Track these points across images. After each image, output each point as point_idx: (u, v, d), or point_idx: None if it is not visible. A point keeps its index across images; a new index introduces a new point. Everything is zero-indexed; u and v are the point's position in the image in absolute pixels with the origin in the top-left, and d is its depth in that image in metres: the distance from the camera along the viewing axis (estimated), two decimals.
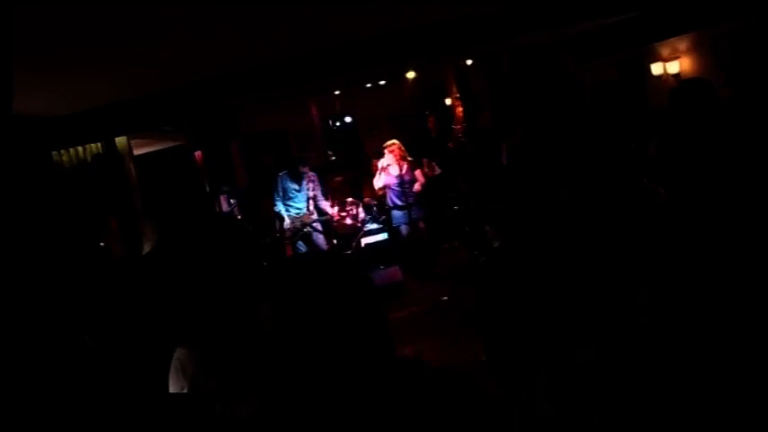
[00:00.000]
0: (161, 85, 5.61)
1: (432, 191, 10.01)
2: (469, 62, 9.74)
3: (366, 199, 9.83)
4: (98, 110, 5.77)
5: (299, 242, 8.71)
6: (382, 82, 10.20)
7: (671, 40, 8.51)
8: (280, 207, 8.71)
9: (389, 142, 8.97)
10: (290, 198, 8.70)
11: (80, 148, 6.13)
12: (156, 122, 6.93)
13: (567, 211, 2.34)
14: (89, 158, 6.25)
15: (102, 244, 5.92)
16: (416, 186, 9.03)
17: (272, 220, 8.86)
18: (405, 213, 8.94)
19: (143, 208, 6.85)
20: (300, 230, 8.66)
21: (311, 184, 8.80)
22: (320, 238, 8.90)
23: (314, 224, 8.77)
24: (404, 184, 8.86)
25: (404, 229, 8.98)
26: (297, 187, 8.73)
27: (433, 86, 11.96)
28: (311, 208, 8.75)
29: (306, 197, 8.72)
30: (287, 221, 8.65)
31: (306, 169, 8.77)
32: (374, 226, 9.01)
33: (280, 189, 8.70)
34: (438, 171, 9.73)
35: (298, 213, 8.70)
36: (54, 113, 5.63)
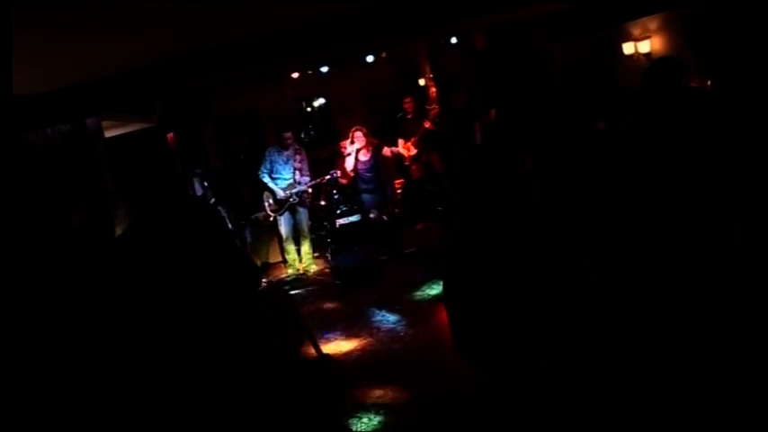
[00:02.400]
0: (132, 64, 5.52)
1: (406, 171, 10.04)
2: (442, 42, 9.71)
3: (342, 181, 9.82)
4: (67, 89, 5.66)
5: (286, 214, 8.71)
6: (355, 62, 10.12)
7: (642, 19, 8.57)
8: (266, 179, 8.73)
9: (355, 128, 9.01)
10: (277, 171, 8.73)
11: (48, 130, 6.02)
12: (127, 102, 6.82)
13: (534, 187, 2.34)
14: (58, 140, 6.14)
15: (72, 226, 5.83)
16: (385, 150, 9.11)
17: (250, 200, 8.85)
18: (374, 197, 8.97)
19: (115, 191, 6.76)
20: (287, 201, 8.67)
21: (298, 156, 8.82)
22: (305, 212, 8.92)
23: (300, 195, 8.78)
24: (374, 167, 8.89)
25: (374, 212, 9.01)
26: (284, 159, 8.75)
27: (406, 67, 11.92)
28: (297, 179, 8.76)
29: (292, 168, 8.74)
30: (279, 193, 8.65)
31: (290, 135, 8.78)
32: (348, 207, 9.02)
33: (267, 162, 8.75)
34: (413, 152, 9.74)
35: (287, 184, 8.74)
36: (20, 92, 5.51)
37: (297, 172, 8.77)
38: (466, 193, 2.35)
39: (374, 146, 8.98)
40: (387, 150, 9.31)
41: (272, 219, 8.84)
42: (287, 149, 8.77)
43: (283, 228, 8.81)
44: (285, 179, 8.77)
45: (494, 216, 2.26)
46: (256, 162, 9.04)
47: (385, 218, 9.03)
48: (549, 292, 2.16)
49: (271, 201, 8.77)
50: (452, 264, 2.39)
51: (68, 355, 2.74)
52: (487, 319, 2.26)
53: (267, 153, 8.81)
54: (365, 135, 8.94)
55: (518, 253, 2.20)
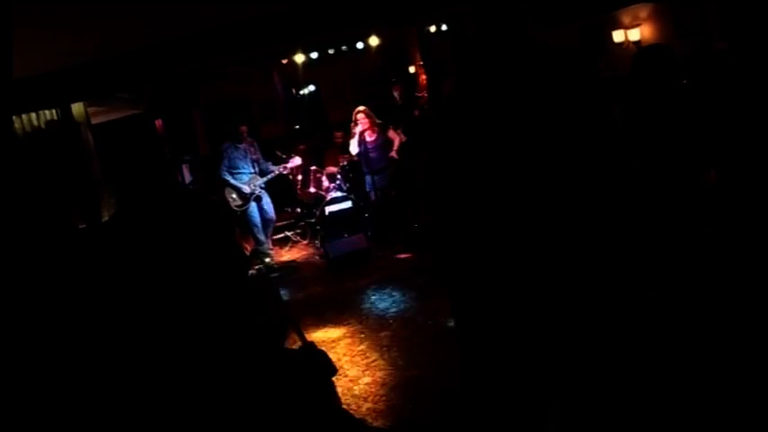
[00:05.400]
0: (119, 48, 5.47)
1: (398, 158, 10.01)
2: (432, 29, 9.68)
3: (329, 168, 9.80)
4: (53, 74, 5.61)
5: (253, 204, 8.67)
6: (345, 48, 10.06)
7: (632, 7, 8.56)
8: (228, 178, 8.65)
9: (360, 108, 8.91)
10: (236, 167, 8.66)
11: (33, 115, 5.97)
12: (115, 87, 6.76)
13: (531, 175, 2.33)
14: (43, 126, 6.09)
15: (59, 213, 5.80)
16: (393, 153, 9.06)
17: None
18: (381, 178, 8.91)
19: (102, 177, 6.74)
20: (252, 194, 8.66)
21: (252, 148, 8.80)
22: (269, 200, 8.90)
23: (262, 186, 8.78)
24: (381, 148, 8.85)
25: (374, 194, 8.94)
26: (242, 153, 8.70)
27: (396, 54, 11.88)
28: (256, 170, 8.76)
29: (251, 161, 8.73)
30: (245, 188, 8.60)
31: (245, 128, 8.75)
32: (338, 194, 8.99)
33: (225, 161, 8.65)
34: (403, 138, 9.72)
35: (249, 178, 8.70)
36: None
37: (255, 164, 8.76)
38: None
39: (379, 126, 8.92)
40: (393, 134, 9.22)
41: (239, 213, 8.81)
42: (242, 143, 8.73)
43: (255, 218, 8.74)
44: (247, 173, 8.72)
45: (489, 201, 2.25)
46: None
47: (393, 193, 9.02)
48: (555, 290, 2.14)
49: (234, 196, 8.67)
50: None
51: (57, 344, 2.73)
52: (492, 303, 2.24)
53: (224, 150, 8.70)
54: (368, 115, 8.85)
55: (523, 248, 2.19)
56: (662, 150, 3.16)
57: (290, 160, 9.08)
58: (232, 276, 3.35)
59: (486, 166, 2.30)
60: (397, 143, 9.15)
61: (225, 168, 8.66)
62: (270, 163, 8.95)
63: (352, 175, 9.25)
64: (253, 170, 8.73)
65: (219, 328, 2.92)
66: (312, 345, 4.79)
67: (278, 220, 9.67)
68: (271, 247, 9.07)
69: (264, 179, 8.78)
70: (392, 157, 9.09)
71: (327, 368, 3.61)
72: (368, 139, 8.81)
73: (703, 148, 3.21)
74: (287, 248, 9.87)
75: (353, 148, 8.89)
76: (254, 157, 8.76)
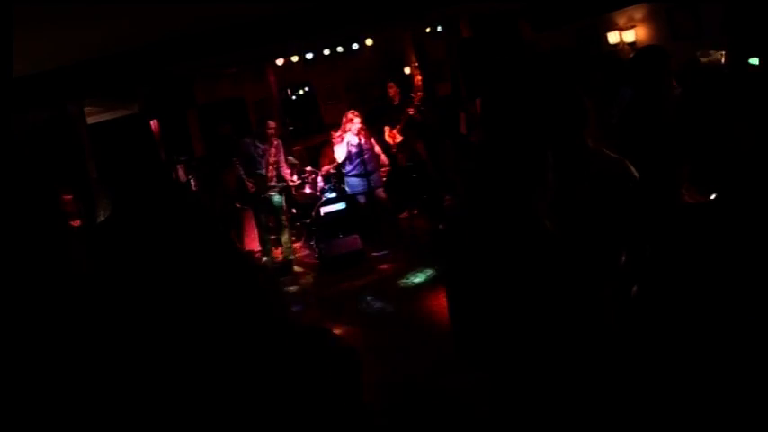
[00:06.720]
0: (114, 47, 5.46)
1: (391, 159, 10.01)
2: (428, 30, 9.71)
3: (324, 168, 9.79)
4: (48, 73, 5.60)
5: (259, 208, 8.56)
6: (340, 49, 10.05)
7: (627, 8, 8.58)
8: (241, 171, 8.39)
9: (350, 112, 8.85)
10: (252, 165, 8.37)
11: (29, 115, 5.95)
12: (111, 86, 6.75)
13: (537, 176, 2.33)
14: (39, 125, 6.08)
15: (55, 213, 5.79)
16: (382, 158, 9.05)
17: (234, 188, 8.72)
18: (363, 181, 8.81)
19: (97, 177, 6.72)
20: (255, 199, 8.49)
21: (274, 150, 8.47)
22: (280, 201, 8.75)
23: (273, 191, 8.60)
24: (363, 152, 8.79)
25: (361, 198, 8.88)
26: (260, 153, 8.38)
27: (391, 55, 11.90)
28: (271, 174, 8.50)
29: (266, 163, 8.43)
30: (251, 189, 8.43)
31: (273, 125, 8.46)
32: (333, 195, 8.97)
33: (242, 156, 8.39)
34: (399, 139, 9.71)
35: (257, 180, 8.45)
36: None
37: (271, 167, 8.47)
38: (479, 183, 2.33)
39: (366, 131, 8.87)
40: (374, 142, 9.21)
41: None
42: (265, 142, 8.40)
43: (259, 219, 8.64)
44: (260, 173, 8.44)
45: (510, 208, 2.24)
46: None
47: (384, 205, 9.02)
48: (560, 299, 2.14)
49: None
50: (456, 251, 2.37)
51: (54, 344, 2.72)
52: (492, 320, 2.24)
53: (242, 145, 8.43)
54: (359, 119, 8.78)
55: (531, 250, 2.19)
56: (658, 153, 3.17)
57: (308, 176, 9.06)
58: (230, 275, 3.36)
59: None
60: (378, 151, 9.15)
61: (241, 162, 8.43)
62: (288, 171, 8.76)
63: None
64: (266, 172, 8.44)
65: (220, 325, 2.92)
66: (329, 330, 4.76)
67: None
68: (270, 248, 8.99)
69: (277, 185, 8.56)
70: (381, 161, 9.09)
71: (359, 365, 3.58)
72: (363, 141, 8.76)
73: (699, 154, 3.21)
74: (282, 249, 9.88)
75: (340, 153, 8.69)
76: (272, 159, 8.44)
